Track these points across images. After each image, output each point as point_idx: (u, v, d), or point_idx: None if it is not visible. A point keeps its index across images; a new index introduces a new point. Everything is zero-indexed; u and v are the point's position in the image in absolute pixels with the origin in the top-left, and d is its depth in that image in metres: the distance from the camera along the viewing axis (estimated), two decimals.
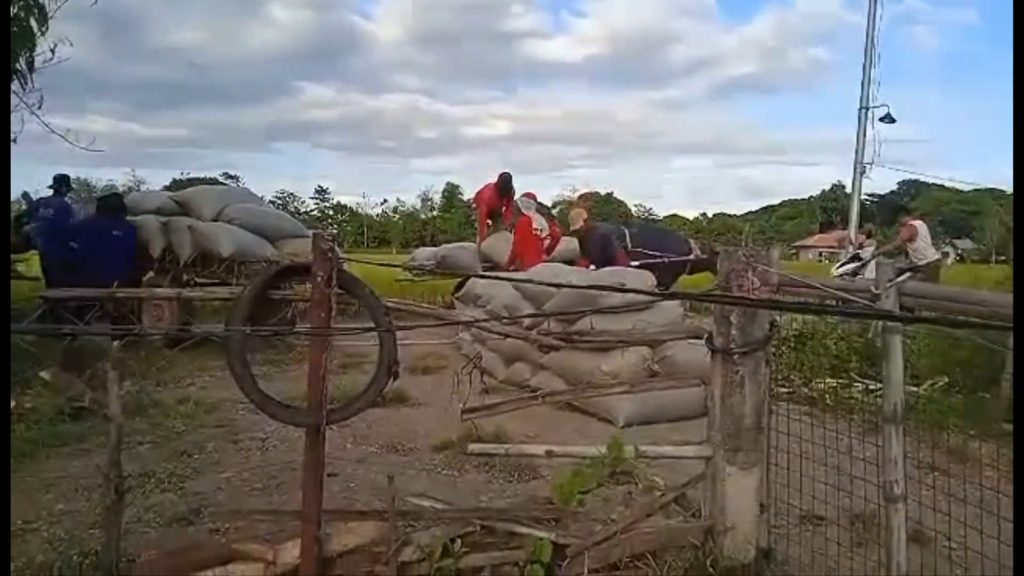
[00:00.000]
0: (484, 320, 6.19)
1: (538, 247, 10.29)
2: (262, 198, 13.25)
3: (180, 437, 5.43)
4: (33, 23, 6.63)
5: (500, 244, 11.24)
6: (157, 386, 6.99)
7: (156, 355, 7.45)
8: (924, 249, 11.27)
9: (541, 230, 10.42)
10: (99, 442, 4.84)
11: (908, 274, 10.64)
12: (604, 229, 10.18)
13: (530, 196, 11.06)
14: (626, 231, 12.67)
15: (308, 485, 2.90)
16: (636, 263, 10.54)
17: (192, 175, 72.54)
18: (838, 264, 13.27)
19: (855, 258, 12.62)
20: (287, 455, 4.93)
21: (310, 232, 10.21)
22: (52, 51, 6.91)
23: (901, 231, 11.49)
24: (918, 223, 11.47)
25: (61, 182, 10.76)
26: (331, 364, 2.91)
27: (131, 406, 5.47)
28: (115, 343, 3.09)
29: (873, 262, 11.00)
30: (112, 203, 9.07)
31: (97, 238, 8.74)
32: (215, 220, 9.51)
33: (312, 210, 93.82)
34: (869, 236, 14.32)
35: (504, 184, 11.68)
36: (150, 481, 4.40)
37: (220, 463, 4.91)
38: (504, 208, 11.77)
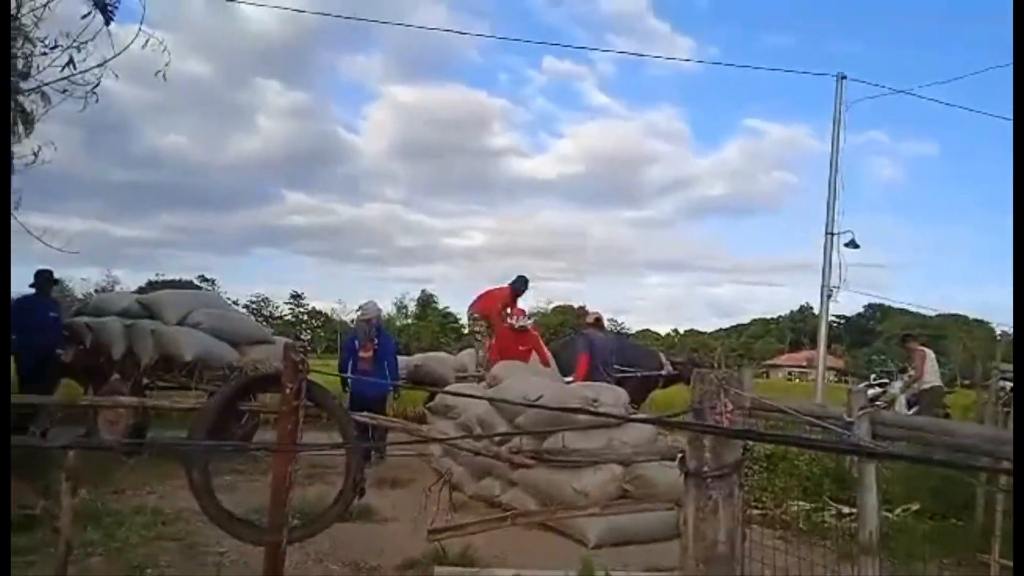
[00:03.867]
0: (455, 438, 6.11)
1: (518, 353, 10.24)
2: (233, 302, 13.13)
3: (134, 549, 5.20)
4: (20, 127, 6.65)
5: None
6: (114, 494, 6.73)
7: (113, 462, 7.21)
8: (930, 375, 11.46)
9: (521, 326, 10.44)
10: (48, 553, 4.62)
11: (916, 408, 10.84)
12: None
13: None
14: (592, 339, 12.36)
15: None
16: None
17: (168, 277, 72.17)
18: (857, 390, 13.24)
19: (874, 385, 12.80)
20: (246, 570, 4.73)
21: (277, 338, 10.16)
22: (35, 154, 6.93)
23: (914, 356, 11.72)
24: (926, 349, 11.74)
25: (43, 280, 10.28)
26: (296, 476, 2.84)
27: (84, 515, 5.26)
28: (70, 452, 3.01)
29: (903, 396, 11.21)
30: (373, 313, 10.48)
31: (380, 349, 10.10)
32: (180, 324, 9.39)
33: (286, 315, 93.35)
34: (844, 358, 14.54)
35: (520, 289, 11.33)
36: None
37: None
38: (510, 309, 11.06)
